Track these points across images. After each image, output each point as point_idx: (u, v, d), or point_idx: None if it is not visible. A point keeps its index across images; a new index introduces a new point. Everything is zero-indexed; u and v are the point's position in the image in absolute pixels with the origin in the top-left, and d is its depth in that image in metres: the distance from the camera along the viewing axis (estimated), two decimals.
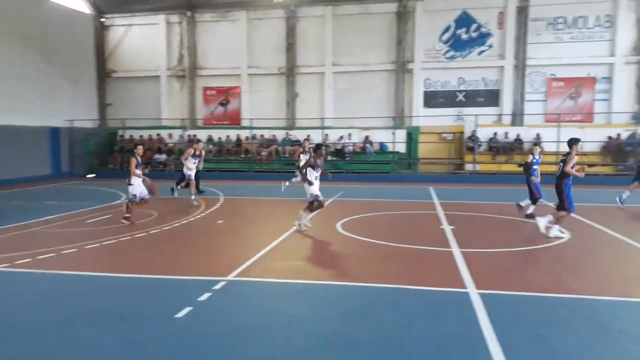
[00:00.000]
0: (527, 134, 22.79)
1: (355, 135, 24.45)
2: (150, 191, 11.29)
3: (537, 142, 12.11)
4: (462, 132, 23.83)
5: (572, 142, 9.68)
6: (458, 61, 24.30)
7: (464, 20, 24.00)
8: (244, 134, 25.33)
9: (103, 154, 26.39)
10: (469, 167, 22.54)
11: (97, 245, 8.85)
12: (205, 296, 5.89)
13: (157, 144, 25.79)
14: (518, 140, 22.67)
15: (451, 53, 24.35)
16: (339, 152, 24.06)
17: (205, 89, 27.11)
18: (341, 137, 24.45)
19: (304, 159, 16.31)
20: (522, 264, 7.72)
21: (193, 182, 14.38)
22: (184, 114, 27.06)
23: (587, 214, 11.68)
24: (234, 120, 26.74)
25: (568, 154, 9.61)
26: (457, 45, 24.20)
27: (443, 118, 24.21)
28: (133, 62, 27.52)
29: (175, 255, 8.31)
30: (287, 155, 24.28)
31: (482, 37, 23.99)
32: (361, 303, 5.87)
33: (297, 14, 25.55)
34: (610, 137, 21.79)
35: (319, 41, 25.46)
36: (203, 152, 15.32)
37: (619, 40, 22.71)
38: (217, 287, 6.27)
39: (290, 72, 25.85)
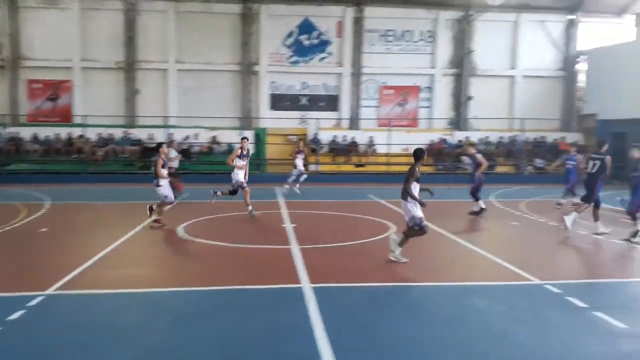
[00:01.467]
0: (362, 137, 24.63)
1: (202, 135, 23.94)
2: (176, 189, 10.84)
3: (471, 142, 12.91)
4: (305, 135, 24.82)
5: (603, 143, 9.45)
6: (301, 66, 25.25)
7: (306, 26, 25.02)
8: (76, 131, 23.17)
9: None
10: (312, 167, 23.55)
11: None
12: (17, 314, 5.29)
13: None
14: (354, 143, 24.40)
15: (295, 58, 25.20)
16: (185, 153, 23.33)
17: (30, 81, 24.20)
18: (187, 137, 23.76)
19: (299, 158, 16.88)
20: (353, 257, 8.32)
21: (247, 190, 12.12)
22: (4, 109, 23.80)
23: None
24: (65, 117, 24.31)
25: (605, 153, 9.38)
26: (300, 50, 25.14)
27: (289, 120, 24.96)
28: None
29: None
30: (126, 156, 22.84)
31: (323, 45, 25.26)
32: (197, 308, 5.81)
33: (137, 7, 24.13)
34: (432, 141, 24.55)
35: (162, 37, 24.40)
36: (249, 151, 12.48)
37: (438, 54, 25.68)
38: (33, 303, 5.67)
39: (129, 67, 24.32)
